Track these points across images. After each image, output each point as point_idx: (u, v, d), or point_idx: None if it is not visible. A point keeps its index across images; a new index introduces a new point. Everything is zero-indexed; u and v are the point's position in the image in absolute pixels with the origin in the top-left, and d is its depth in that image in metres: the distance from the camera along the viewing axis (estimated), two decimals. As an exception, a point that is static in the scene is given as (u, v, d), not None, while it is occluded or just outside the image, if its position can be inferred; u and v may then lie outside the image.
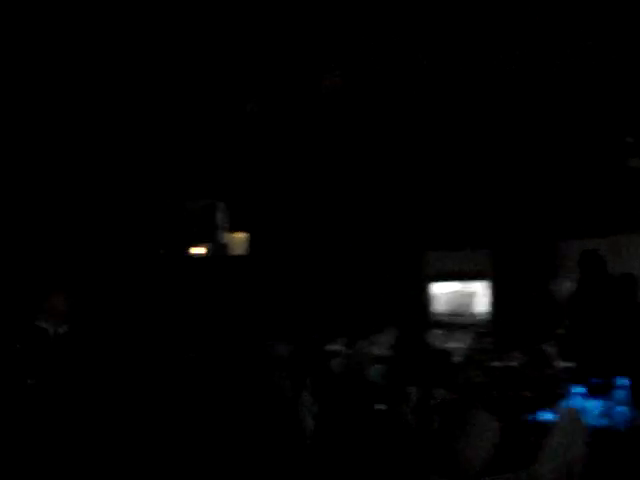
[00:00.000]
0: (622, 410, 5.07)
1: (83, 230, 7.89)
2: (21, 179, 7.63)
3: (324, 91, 7.62)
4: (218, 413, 6.09)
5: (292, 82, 7.91)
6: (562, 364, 5.89)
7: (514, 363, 6.22)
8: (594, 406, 5.08)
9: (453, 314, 9.12)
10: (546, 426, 4.96)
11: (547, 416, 5.12)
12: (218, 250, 8.68)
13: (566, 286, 7.12)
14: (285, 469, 5.59)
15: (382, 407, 6.40)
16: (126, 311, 7.12)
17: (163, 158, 8.54)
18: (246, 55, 7.53)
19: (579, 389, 5.28)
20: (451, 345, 8.00)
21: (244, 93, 8.08)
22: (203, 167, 8.72)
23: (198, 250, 8.67)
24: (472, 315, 9.08)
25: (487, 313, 9.06)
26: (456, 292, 9.23)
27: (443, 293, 9.23)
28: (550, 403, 5.29)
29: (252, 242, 8.75)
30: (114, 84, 7.66)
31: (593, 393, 5.23)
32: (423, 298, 9.22)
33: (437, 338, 8.26)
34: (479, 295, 9.15)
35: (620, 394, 5.15)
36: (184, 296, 7.87)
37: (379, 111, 8.18)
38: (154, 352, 6.21)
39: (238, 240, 8.75)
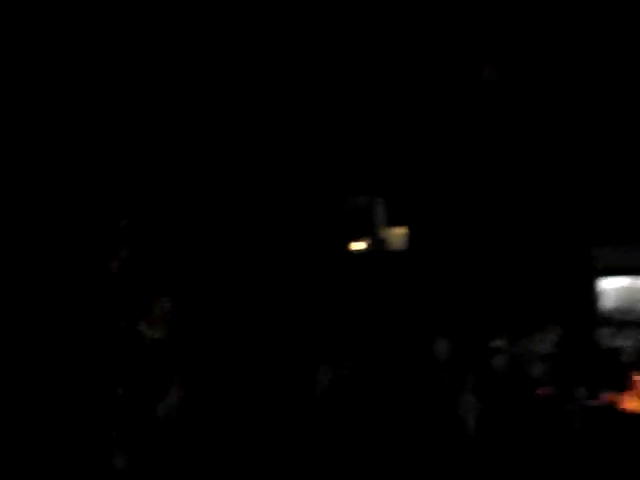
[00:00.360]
0: None
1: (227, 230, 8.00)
2: (146, 176, 7.74)
3: (483, 81, 7.45)
4: (379, 412, 6.04)
5: (451, 72, 7.79)
6: None
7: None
8: None
9: (622, 311, 8.77)
10: None
11: None
12: (377, 245, 8.66)
13: None
14: (447, 469, 5.50)
15: (546, 407, 6.21)
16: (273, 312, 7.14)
17: (322, 155, 8.59)
18: (406, 45, 7.46)
19: None
20: (620, 343, 7.70)
21: (402, 86, 8.02)
22: (362, 163, 8.71)
23: (357, 246, 8.69)
24: (643, 312, 8.71)
25: (660, 310, 8.67)
26: (626, 287, 8.88)
27: (612, 288, 8.89)
28: None
29: (411, 237, 8.67)
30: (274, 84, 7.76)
31: None
32: (590, 294, 8.88)
33: (605, 336, 7.98)
34: (651, 291, 8.78)
35: None
36: (344, 292, 7.88)
37: (541, 103, 7.96)
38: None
39: (397, 235, 8.70)
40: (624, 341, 7.80)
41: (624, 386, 6.27)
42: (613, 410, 6.03)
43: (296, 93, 8.15)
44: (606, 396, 6.17)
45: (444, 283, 8.23)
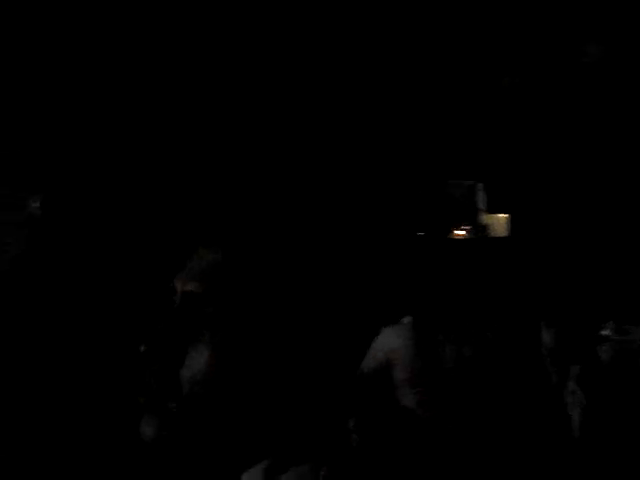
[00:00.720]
0: None
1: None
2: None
3: (587, 63, 7.23)
4: (482, 405, 5.94)
5: (553, 52, 7.59)
6: None
7: None
8: None
9: None
10: None
11: None
12: (479, 232, 8.55)
13: None
14: (550, 466, 5.38)
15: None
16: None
17: (423, 139, 8.51)
18: (502, 23, 7.32)
19: None
20: None
21: (500, 66, 7.87)
22: (463, 147, 8.60)
23: (459, 232, 8.59)
24: None
25: None
26: None
27: None
28: None
29: (514, 223, 8.52)
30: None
31: None
32: None
33: None
34: None
35: None
36: (445, 280, 7.78)
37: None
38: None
39: (499, 221, 8.56)
40: None
41: None
42: None
43: (400, 77, 8.10)
44: None
45: (548, 270, 8.05)
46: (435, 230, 8.48)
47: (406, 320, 6.05)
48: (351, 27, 7.57)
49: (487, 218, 8.61)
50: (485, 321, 7.18)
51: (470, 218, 8.57)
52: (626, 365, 6.47)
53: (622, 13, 6.63)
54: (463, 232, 8.59)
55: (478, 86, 8.08)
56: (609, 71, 7.50)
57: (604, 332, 7.02)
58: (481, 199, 8.61)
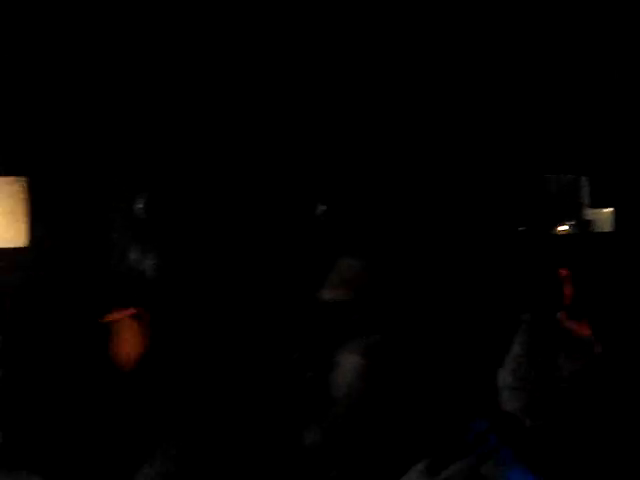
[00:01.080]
0: None
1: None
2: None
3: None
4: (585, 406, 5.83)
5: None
6: None
7: None
8: None
9: None
10: None
11: None
12: (582, 227, 8.39)
13: None
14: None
15: None
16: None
17: (524, 131, 8.40)
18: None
19: None
20: None
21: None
22: (566, 139, 8.45)
23: (561, 228, 8.45)
24: None
25: None
26: None
27: None
28: None
29: (619, 218, 8.33)
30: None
31: None
32: None
33: None
34: None
35: None
36: (548, 277, 7.66)
37: None
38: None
39: (604, 217, 8.38)
40: None
41: None
42: None
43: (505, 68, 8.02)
44: None
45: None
46: (537, 226, 8.35)
47: (523, 318, 5.91)
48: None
49: (591, 213, 8.46)
50: (591, 320, 7.03)
51: (573, 213, 8.42)
52: None
53: None
54: (566, 228, 8.45)
55: (576, 76, 7.94)
56: None
57: None
58: (585, 193, 8.45)
